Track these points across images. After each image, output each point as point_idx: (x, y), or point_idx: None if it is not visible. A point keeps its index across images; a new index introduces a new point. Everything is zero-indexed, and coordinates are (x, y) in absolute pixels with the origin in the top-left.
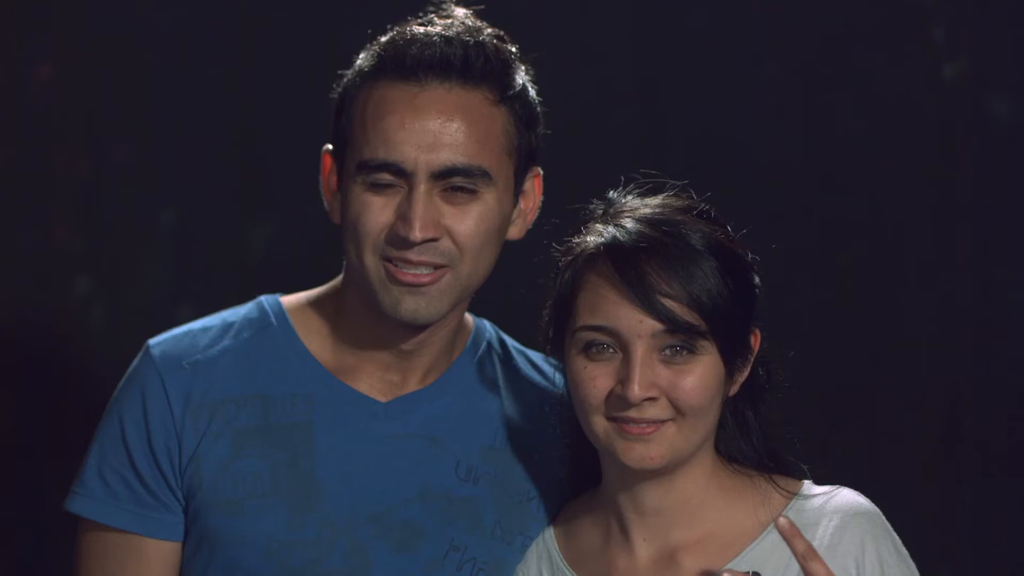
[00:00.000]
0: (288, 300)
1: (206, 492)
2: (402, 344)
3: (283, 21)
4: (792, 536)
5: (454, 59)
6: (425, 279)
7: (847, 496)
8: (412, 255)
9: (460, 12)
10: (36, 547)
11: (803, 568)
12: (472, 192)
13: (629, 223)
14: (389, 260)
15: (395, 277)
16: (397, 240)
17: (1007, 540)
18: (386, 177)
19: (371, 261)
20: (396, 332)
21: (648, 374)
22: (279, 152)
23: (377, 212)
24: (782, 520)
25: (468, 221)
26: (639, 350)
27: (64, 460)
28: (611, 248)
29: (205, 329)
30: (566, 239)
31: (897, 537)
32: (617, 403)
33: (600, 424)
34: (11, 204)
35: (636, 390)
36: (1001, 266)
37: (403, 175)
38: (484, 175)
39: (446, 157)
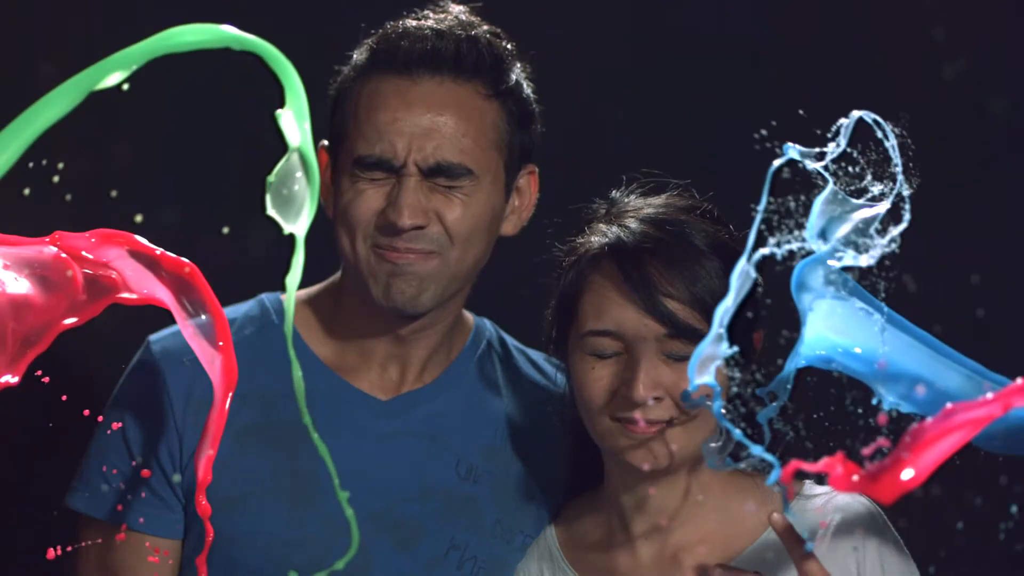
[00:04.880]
0: None
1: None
2: (399, 330)
3: (284, 20)
4: (786, 533)
5: (445, 53)
6: (411, 256)
7: (848, 496)
8: (400, 243)
9: (456, 8)
10: (36, 546)
11: (797, 565)
12: (457, 188)
13: (633, 223)
14: (379, 247)
15: (383, 258)
16: (386, 227)
17: (1007, 541)
18: (379, 175)
19: (362, 249)
20: (392, 320)
21: (652, 374)
22: (279, 151)
23: (368, 200)
24: (776, 516)
25: (457, 209)
26: (643, 351)
27: (64, 459)
28: (615, 248)
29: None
30: (569, 239)
31: (898, 536)
32: (622, 403)
33: (604, 424)
34: (11, 204)
35: (641, 391)
36: (1001, 266)
37: (394, 170)
38: (468, 173)
39: (434, 153)
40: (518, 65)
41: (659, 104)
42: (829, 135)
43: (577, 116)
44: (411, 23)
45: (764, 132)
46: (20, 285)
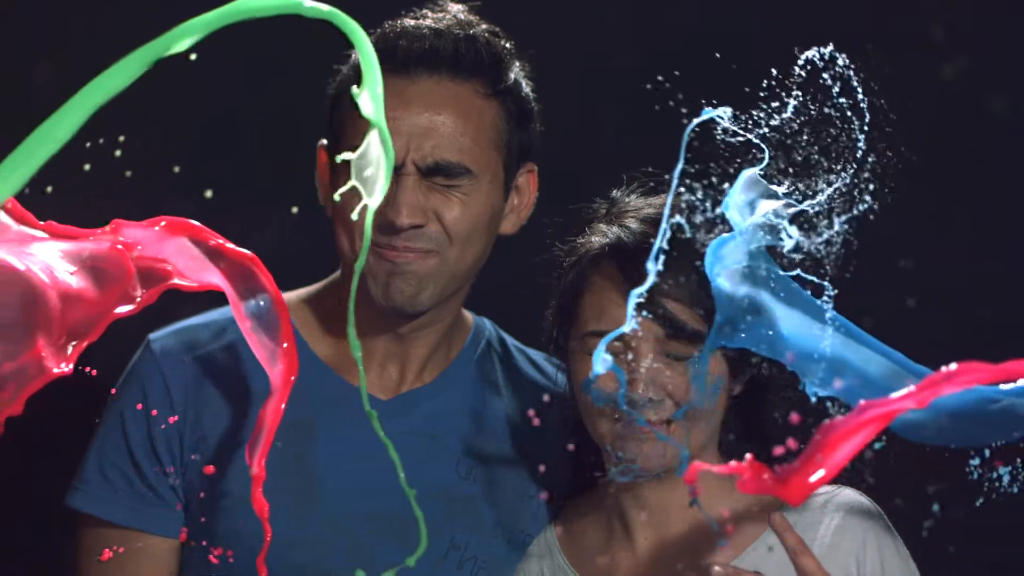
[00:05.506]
0: (288, 296)
1: (206, 489)
2: (398, 329)
3: (283, 20)
4: (783, 530)
5: (443, 52)
6: (410, 255)
7: (849, 495)
8: (399, 242)
9: (454, 7)
10: (36, 545)
11: (793, 562)
12: (456, 187)
13: (633, 223)
14: (377, 246)
15: (382, 257)
16: (385, 226)
17: (1008, 541)
18: None
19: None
20: (391, 319)
21: (653, 375)
22: (280, 150)
23: None
24: (774, 515)
25: (456, 208)
26: (644, 352)
27: (64, 458)
28: (615, 249)
29: (206, 324)
30: (569, 239)
31: (898, 536)
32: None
33: (604, 424)
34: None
35: (641, 390)
36: (1000, 265)
37: (392, 169)
38: (466, 172)
39: (432, 152)
40: (517, 64)
41: (659, 104)
42: (763, 94)
43: (577, 116)
44: (409, 22)
45: (662, 79)
46: (73, 278)
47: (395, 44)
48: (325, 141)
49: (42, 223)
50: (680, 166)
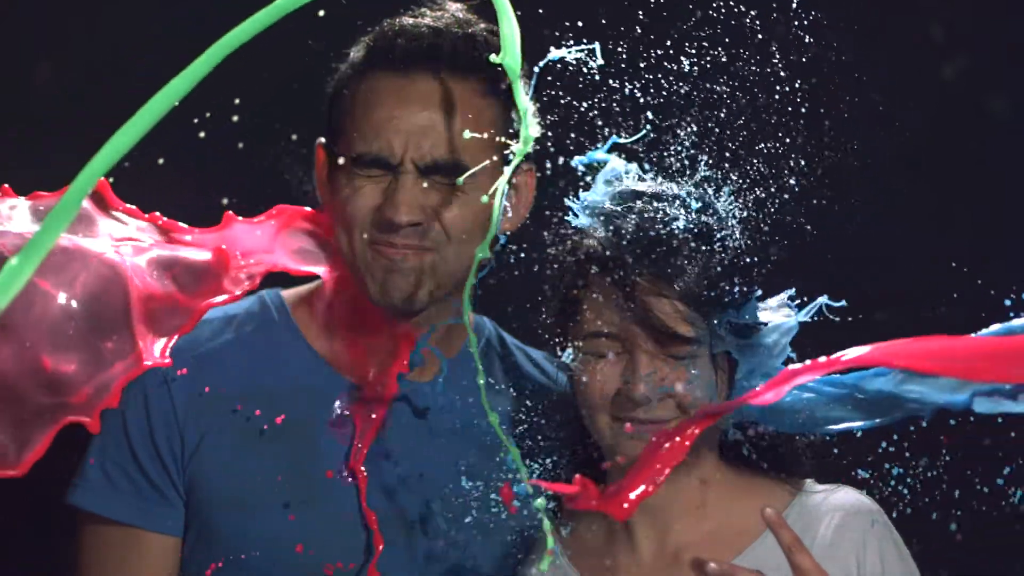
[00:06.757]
0: (289, 294)
1: (208, 487)
2: (398, 326)
3: (283, 19)
4: (778, 527)
5: (442, 50)
6: (407, 252)
7: (849, 494)
8: (398, 239)
9: (453, 6)
10: (36, 544)
11: (789, 560)
12: (454, 185)
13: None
14: (376, 243)
15: (380, 254)
16: (383, 223)
17: (1007, 541)
18: (376, 172)
19: (359, 246)
20: (389, 317)
21: (652, 374)
22: (280, 149)
23: (365, 197)
24: (768, 511)
25: (454, 207)
26: (643, 352)
27: (64, 457)
28: (613, 248)
29: (206, 322)
30: (569, 239)
31: (898, 535)
32: (623, 403)
33: (606, 423)
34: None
35: (642, 390)
36: (1000, 266)
37: (391, 167)
38: (464, 170)
39: (430, 150)
40: None
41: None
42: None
43: (576, 115)
44: (408, 21)
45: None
46: (171, 279)
47: (393, 43)
48: (323, 140)
49: (147, 215)
50: (525, 107)
